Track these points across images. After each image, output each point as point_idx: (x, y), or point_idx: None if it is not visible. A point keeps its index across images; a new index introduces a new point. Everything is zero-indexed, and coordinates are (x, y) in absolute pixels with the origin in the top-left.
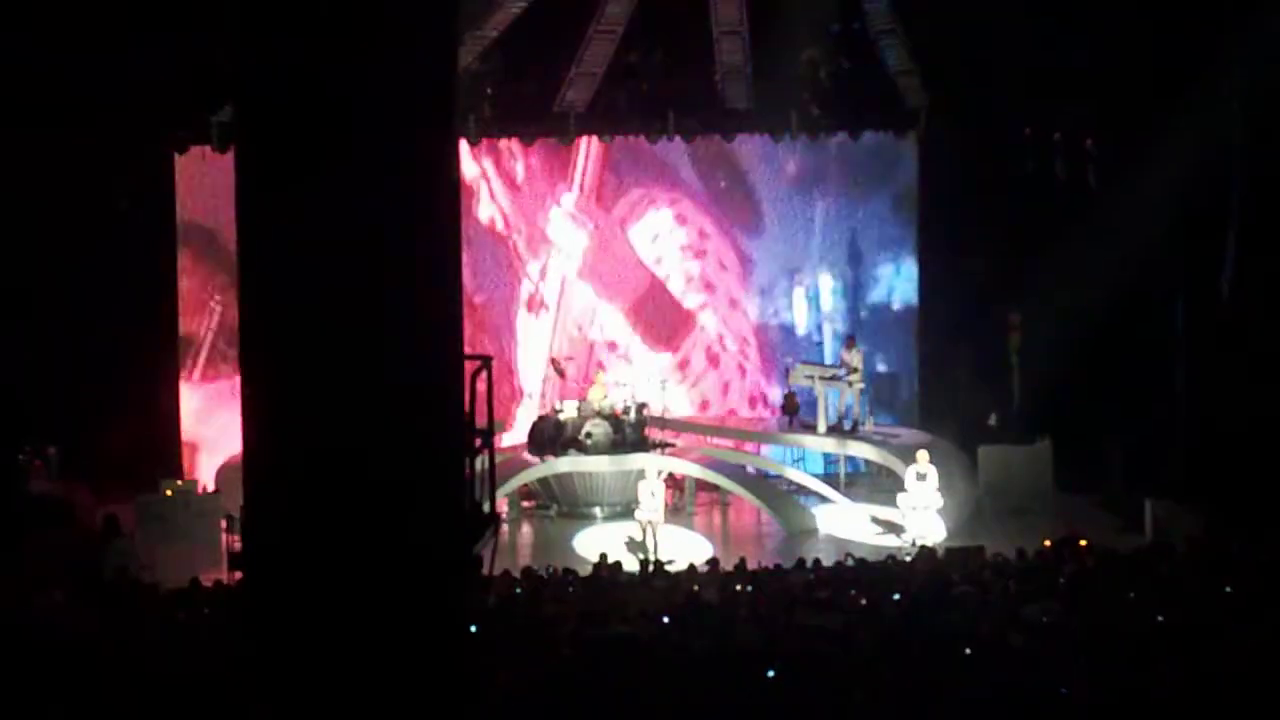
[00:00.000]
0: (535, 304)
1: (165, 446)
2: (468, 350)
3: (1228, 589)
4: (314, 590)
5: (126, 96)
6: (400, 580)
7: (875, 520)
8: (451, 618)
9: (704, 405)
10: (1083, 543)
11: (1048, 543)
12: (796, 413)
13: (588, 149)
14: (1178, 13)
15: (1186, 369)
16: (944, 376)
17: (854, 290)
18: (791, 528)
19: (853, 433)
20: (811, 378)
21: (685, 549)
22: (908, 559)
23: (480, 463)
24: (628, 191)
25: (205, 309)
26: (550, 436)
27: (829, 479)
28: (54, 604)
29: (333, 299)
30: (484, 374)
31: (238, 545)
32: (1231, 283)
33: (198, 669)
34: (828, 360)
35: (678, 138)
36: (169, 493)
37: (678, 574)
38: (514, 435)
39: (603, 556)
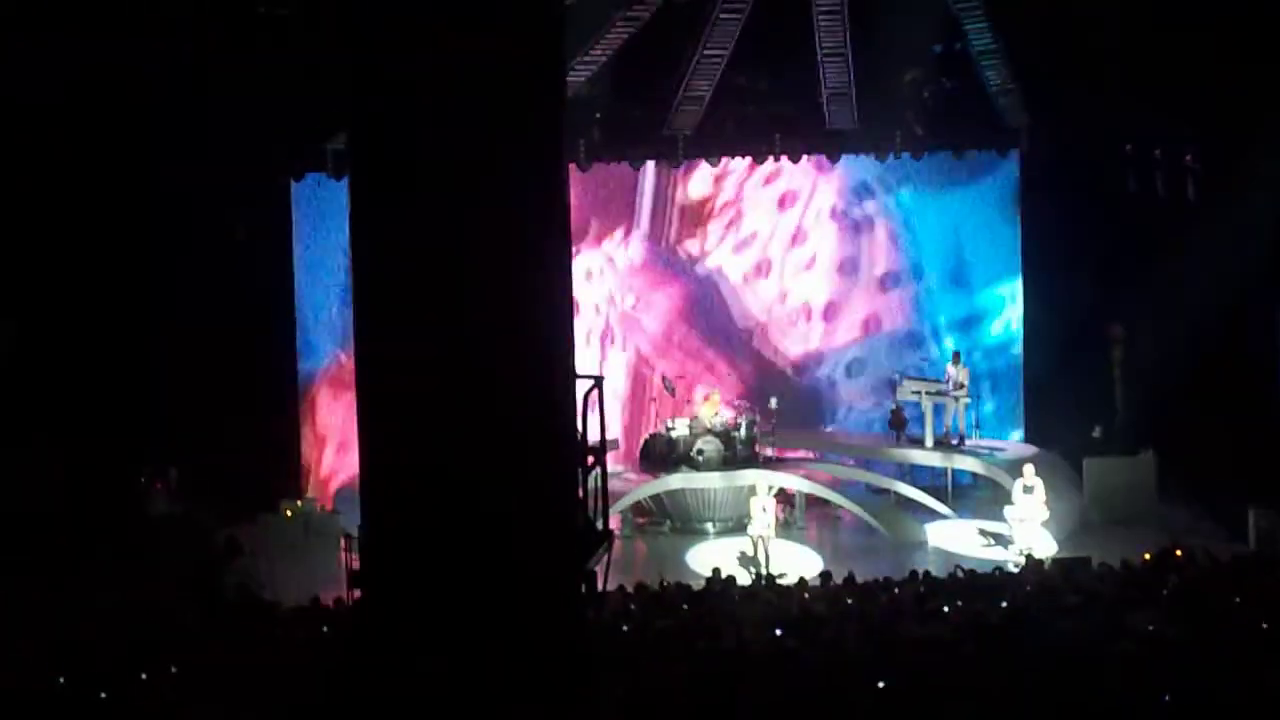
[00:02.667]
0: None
1: (285, 467)
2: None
3: None
4: (431, 608)
5: (245, 127)
6: (515, 597)
7: (983, 533)
8: (566, 633)
9: None
10: (1178, 553)
11: (1148, 555)
12: (904, 427)
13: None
14: (1277, 26)
15: None
16: (1049, 390)
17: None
18: (900, 541)
19: (959, 447)
20: (919, 393)
21: (796, 563)
22: (1015, 570)
23: (593, 480)
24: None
25: None
26: (662, 453)
27: (936, 492)
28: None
29: (446, 322)
30: (595, 393)
31: (356, 564)
32: None
33: (319, 686)
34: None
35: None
36: (289, 513)
37: (789, 587)
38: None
39: (715, 571)
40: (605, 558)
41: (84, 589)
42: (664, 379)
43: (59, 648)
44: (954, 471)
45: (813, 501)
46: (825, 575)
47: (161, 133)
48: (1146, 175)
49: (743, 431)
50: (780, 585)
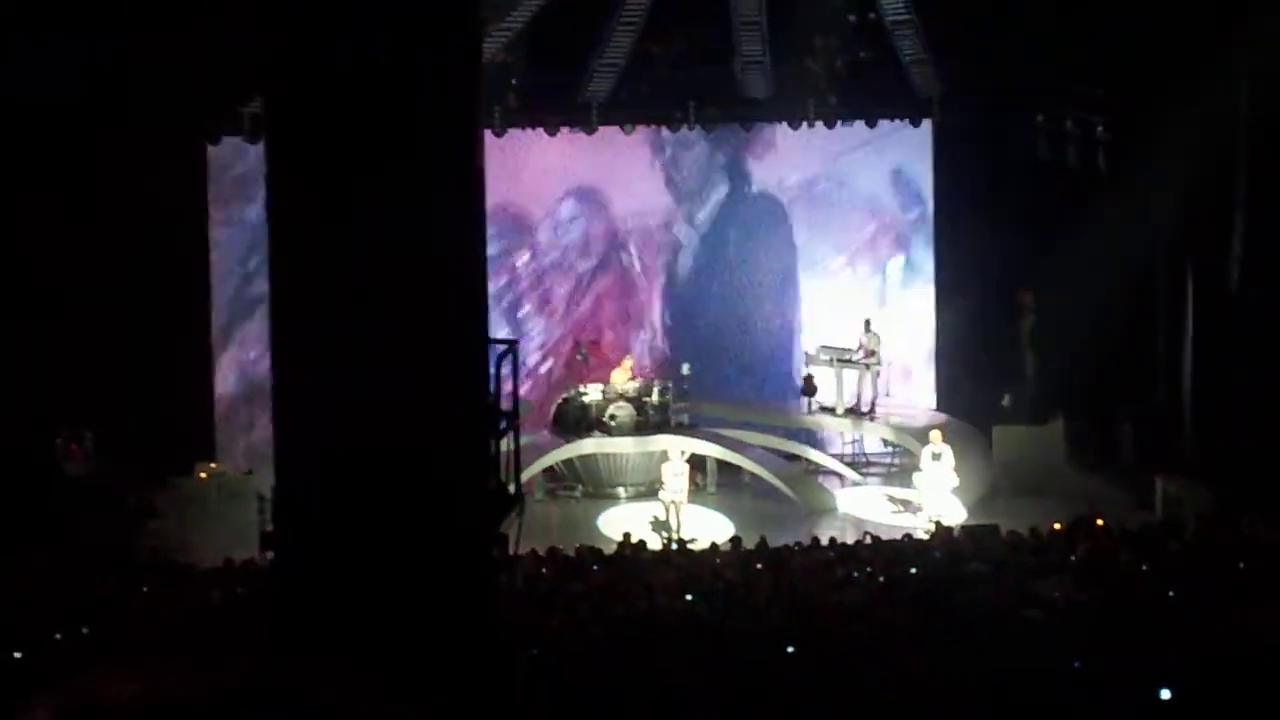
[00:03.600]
0: None
1: (198, 428)
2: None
3: (1240, 565)
4: (343, 569)
5: (160, 90)
6: (427, 559)
7: (892, 500)
8: (477, 596)
9: None
10: (1099, 522)
11: (1058, 525)
12: (815, 394)
13: None
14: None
15: (1196, 348)
16: (958, 358)
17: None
18: (811, 507)
19: (869, 414)
20: (829, 360)
21: (708, 528)
22: (925, 537)
23: (506, 444)
24: None
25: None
26: (575, 418)
27: (846, 459)
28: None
29: (360, 285)
30: (509, 357)
31: (269, 526)
32: (1240, 263)
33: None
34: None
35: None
36: (202, 475)
37: (700, 552)
38: None
39: (626, 536)
40: (517, 522)
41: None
42: (577, 344)
43: None
44: (862, 438)
45: (724, 467)
46: (736, 540)
47: (82, 86)
48: (1058, 144)
49: (655, 397)
50: (692, 550)
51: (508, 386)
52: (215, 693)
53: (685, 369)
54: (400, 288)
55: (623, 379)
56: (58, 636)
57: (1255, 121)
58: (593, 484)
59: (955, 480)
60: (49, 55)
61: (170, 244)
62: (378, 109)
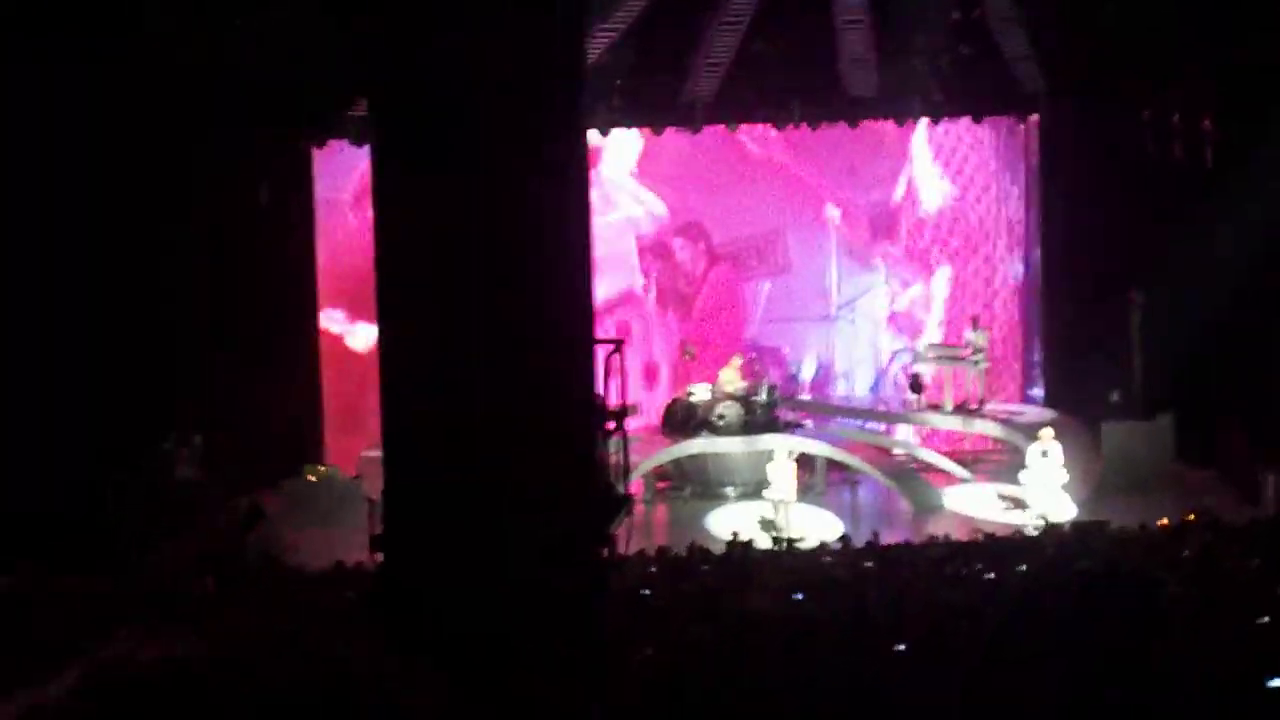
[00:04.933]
0: None
1: (308, 432)
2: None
3: None
4: (451, 572)
5: (268, 94)
6: (535, 562)
7: (1002, 497)
8: (587, 598)
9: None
10: (1191, 516)
11: (1164, 521)
12: (922, 392)
13: None
14: None
15: None
16: (1067, 355)
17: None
18: (920, 505)
19: (977, 411)
20: (937, 358)
21: (816, 527)
22: (1034, 534)
23: (614, 444)
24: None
25: None
26: (683, 419)
27: (956, 456)
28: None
29: (467, 288)
30: (617, 357)
31: (379, 529)
32: None
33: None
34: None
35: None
36: (312, 478)
37: (809, 552)
38: None
39: (735, 535)
40: (626, 522)
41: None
42: (683, 344)
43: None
44: (972, 436)
45: (833, 466)
46: (845, 539)
47: (186, 96)
48: (1164, 141)
49: (763, 396)
50: (800, 549)
51: (615, 385)
52: (237, 658)
53: (793, 368)
54: (507, 289)
55: (731, 378)
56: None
57: None
58: (701, 484)
59: (1064, 477)
60: (152, 57)
61: (279, 247)
62: (482, 109)
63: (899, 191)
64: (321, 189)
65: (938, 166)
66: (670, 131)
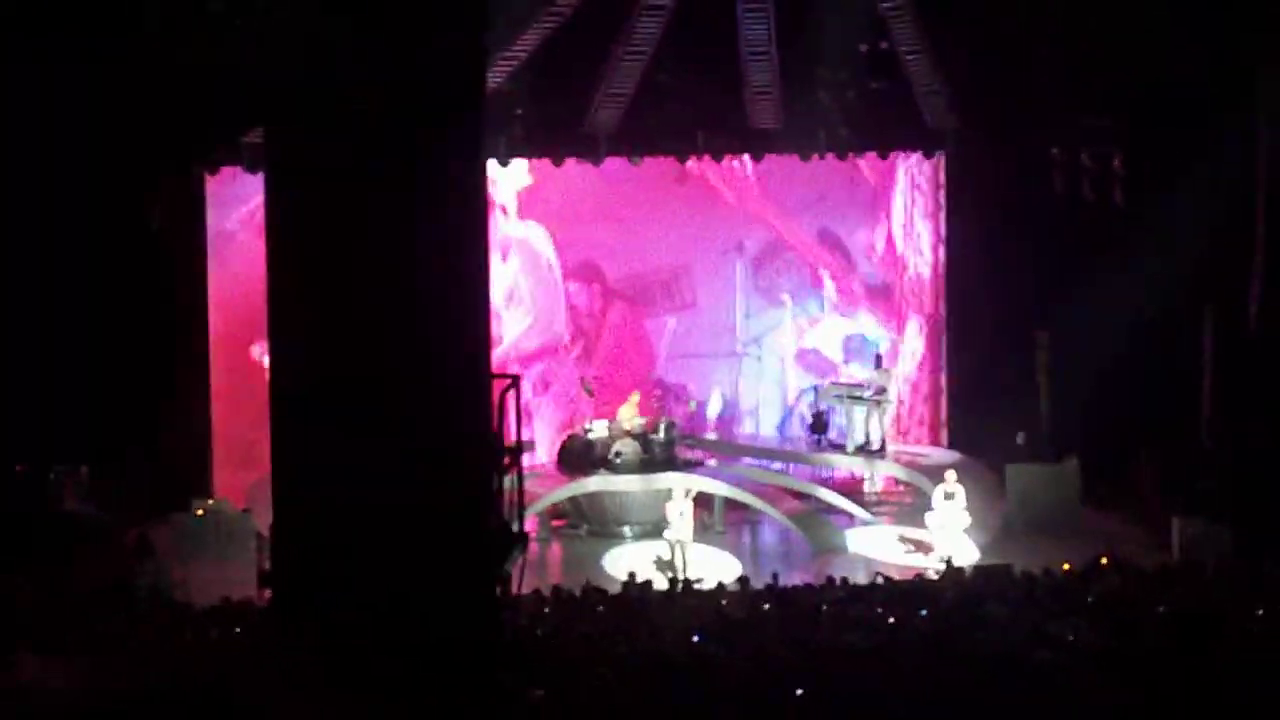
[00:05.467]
0: None
1: (197, 465)
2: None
3: (1259, 610)
4: (343, 607)
5: (161, 119)
6: (428, 599)
7: (904, 539)
8: (480, 636)
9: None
10: (1103, 560)
11: (1066, 566)
12: (825, 431)
13: None
14: (1205, 34)
15: (1215, 387)
16: (972, 396)
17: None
18: (820, 546)
19: (880, 452)
20: (840, 397)
21: (714, 568)
22: (936, 578)
23: (509, 481)
24: None
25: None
26: (580, 455)
27: (857, 497)
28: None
29: (360, 318)
30: (512, 392)
31: (268, 564)
32: (1260, 301)
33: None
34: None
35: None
36: (200, 512)
37: (707, 592)
38: None
39: (632, 575)
40: (520, 560)
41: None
42: (582, 380)
43: None
44: (873, 476)
45: (732, 505)
46: (744, 580)
47: (75, 119)
48: (1073, 178)
49: (661, 434)
50: (698, 590)
51: (511, 422)
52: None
53: (693, 405)
54: (402, 321)
55: (629, 415)
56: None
57: (1275, 156)
58: (598, 522)
59: (968, 520)
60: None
61: (169, 276)
62: (379, 139)
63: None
64: (215, 218)
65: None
66: (552, 165)
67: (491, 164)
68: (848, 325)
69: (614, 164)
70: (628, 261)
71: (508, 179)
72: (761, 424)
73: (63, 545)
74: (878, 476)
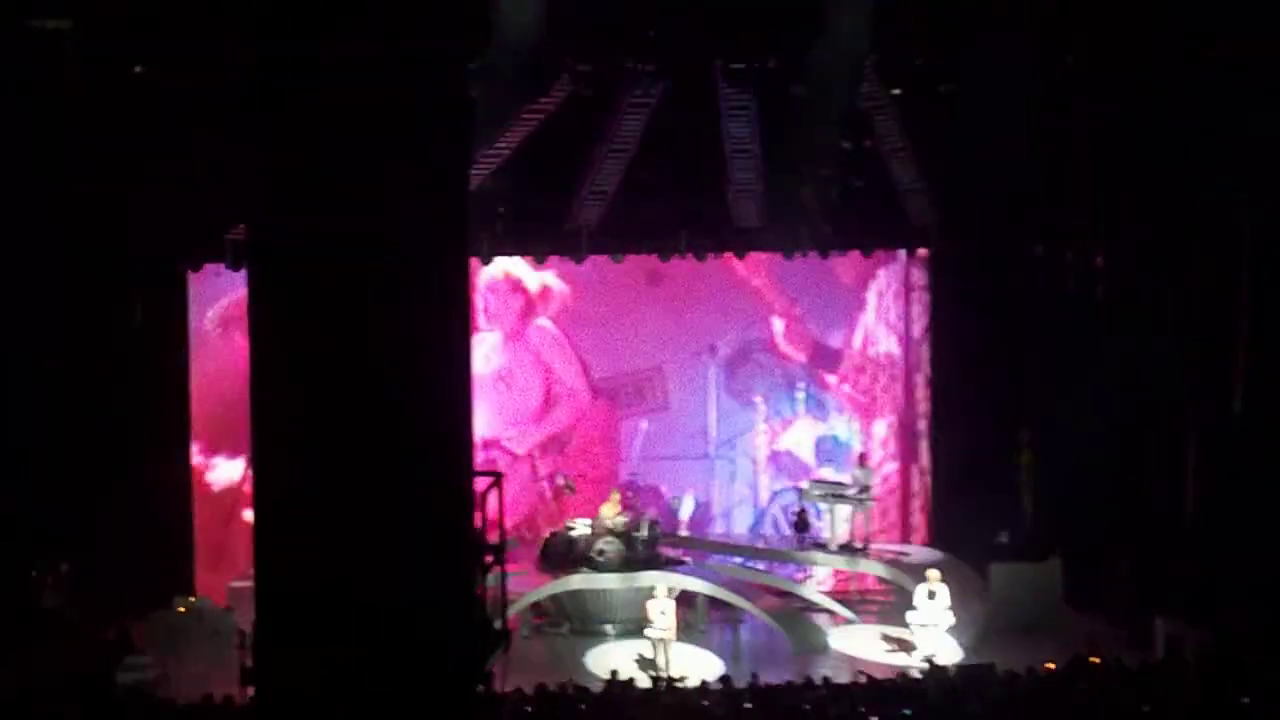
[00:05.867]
0: None
1: (179, 562)
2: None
3: (1244, 700)
4: (325, 708)
5: (143, 217)
6: (410, 698)
7: (886, 638)
8: None
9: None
10: (1095, 660)
11: (1051, 665)
12: (807, 530)
13: None
14: (1185, 132)
15: (1196, 486)
16: (954, 494)
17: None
18: (802, 645)
19: (863, 550)
20: (825, 496)
21: (696, 666)
22: (919, 676)
23: (492, 579)
24: None
25: None
26: (562, 553)
27: (840, 596)
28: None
29: (344, 420)
30: (495, 490)
31: (249, 662)
32: (1242, 400)
33: None
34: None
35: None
36: (181, 609)
37: (689, 690)
38: None
39: (614, 674)
40: (503, 658)
41: None
42: (564, 477)
43: None
44: (855, 576)
45: (714, 604)
46: (725, 679)
47: (59, 212)
48: (1057, 277)
49: (644, 532)
50: (680, 688)
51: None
52: None
53: (675, 503)
54: (384, 419)
55: (611, 513)
56: None
57: (1257, 253)
58: (580, 620)
59: (951, 619)
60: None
61: (151, 373)
62: (363, 237)
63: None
64: (190, 316)
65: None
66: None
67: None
68: (820, 427)
69: (587, 263)
70: (603, 361)
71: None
72: (734, 525)
73: (42, 641)
74: (860, 575)
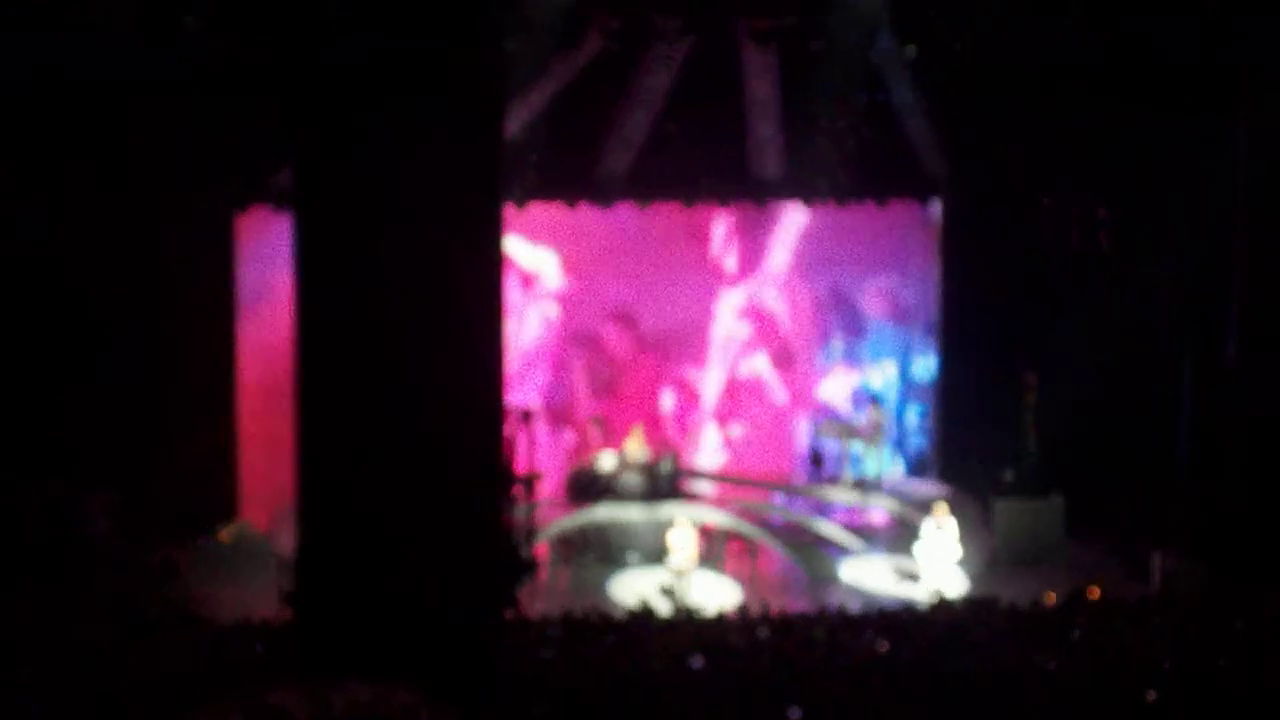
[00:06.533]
0: None
1: (222, 489)
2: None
3: (1236, 633)
4: (360, 627)
5: (192, 157)
6: (442, 623)
7: (896, 570)
8: (491, 658)
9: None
10: (1095, 593)
11: (1052, 596)
12: (822, 466)
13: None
14: (1186, 89)
15: (1193, 427)
16: (962, 433)
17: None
18: (815, 576)
19: (875, 486)
20: (838, 432)
21: (715, 596)
22: (926, 608)
23: (522, 509)
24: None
25: None
26: (587, 486)
27: (852, 529)
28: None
29: (382, 356)
30: (524, 425)
31: (289, 585)
32: (1236, 340)
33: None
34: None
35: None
36: (225, 535)
37: (707, 618)
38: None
39: (646, 602)
40: (530, 585)
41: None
42: (592, 417)
43: None
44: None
45: (732, 536)
46: (742, 608)
47: (109, 154)
48: (1063, 227)
49: (666, 466)
50: (700, 617)
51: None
52: None
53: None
54: (421, 356)
55: (635, 448)
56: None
57: (1252, 200)
58: (604, 550)
59: (958, 552)
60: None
61: (199, 307)
62: (405, 183)
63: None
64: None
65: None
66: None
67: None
68: (853, 378)
69: (628, 218)
70: (649, 314)
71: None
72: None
73: (90, 567)
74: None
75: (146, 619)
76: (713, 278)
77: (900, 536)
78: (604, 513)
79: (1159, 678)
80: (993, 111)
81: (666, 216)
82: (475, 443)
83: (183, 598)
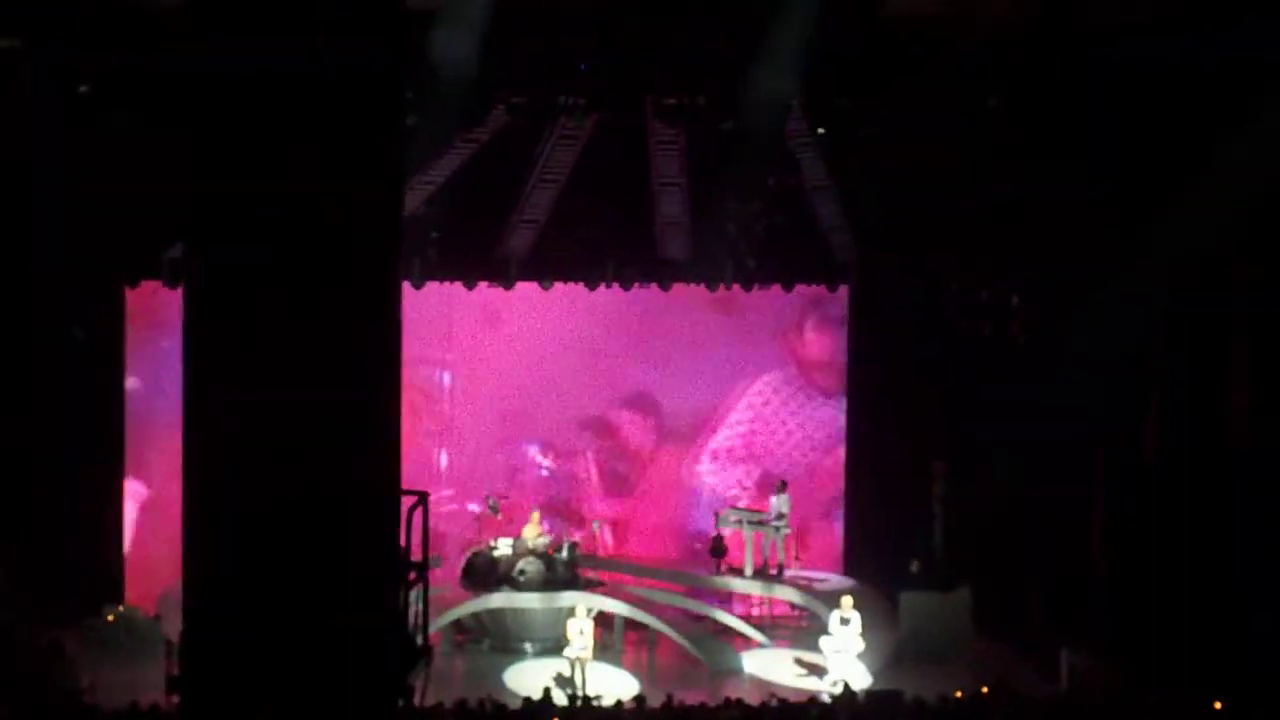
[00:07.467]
0: None
1: (109, 570)
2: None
3: None
4: (250, 716)
5: (84, 234)
6: (333, 710)
7: (799, 663)
8: None
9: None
10: (984, 690)
11: (959, 693)
12: (724, 556)
13: None
14: (1101, 176)
15: (1105, 522)
16: (869, 524)
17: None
18: (717, 668)
19: (778, 577)
20: (740, 521)
21: (612, 686)
22: (829, 701)
23: (416, 596)
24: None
25: None
26: (484, 572)
27: (754, 621)
28: None
29: (274, 435)
30: (420, 509)
31: (176, 669)
32: (1154, 436)
33: None
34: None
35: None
36: (111, 618)
37: (605, 710)
38: None
39: (547, 690)
40: (424, 673)
41: None
42: (488, 498)
43: None
44: (770, 601)
45: (631, 625)
46: (640, 699)
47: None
48: (973, 315)
49: (564, 553)
50: (597, 707)
51: (418, 538)
52: None
53: (596, 526)
54: (315, 436)
55: (533, 534)
56: None
57: (1173, 291)
58: (500, 638)
59: (862, 645)
60: None
61: (85, 385)
62: (298, 259)
63: None
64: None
65: None
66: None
67: None
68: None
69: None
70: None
71: None
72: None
73: None
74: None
75: (34, 702)
76: None
77: (805, 629)
78: (500, 600)
79: None
80: (904, 195)
81: None
82: (370, 527)
83: (71, 680)
